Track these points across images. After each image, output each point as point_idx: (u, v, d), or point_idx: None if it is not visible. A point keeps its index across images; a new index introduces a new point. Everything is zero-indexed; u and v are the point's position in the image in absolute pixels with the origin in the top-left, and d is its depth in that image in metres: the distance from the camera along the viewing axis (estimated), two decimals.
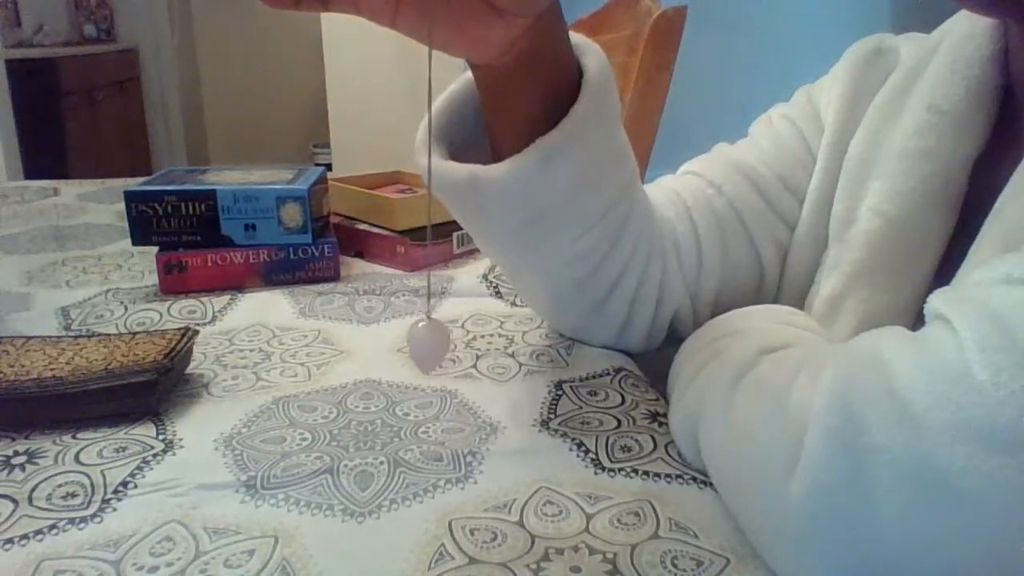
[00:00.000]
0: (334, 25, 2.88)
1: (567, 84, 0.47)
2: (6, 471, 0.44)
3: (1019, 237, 0.39)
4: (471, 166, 0.47)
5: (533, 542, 0.39)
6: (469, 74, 0.50)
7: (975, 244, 0.42)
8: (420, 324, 0.41)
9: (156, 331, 0.58)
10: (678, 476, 0.44)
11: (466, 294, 0.74)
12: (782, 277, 0.60)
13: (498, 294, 0.74)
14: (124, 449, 0.47)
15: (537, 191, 0.48)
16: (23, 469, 0.45)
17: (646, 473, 0.45)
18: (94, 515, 0.41)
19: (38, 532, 0.39)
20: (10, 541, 0.39)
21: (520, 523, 0.40)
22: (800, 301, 0.57)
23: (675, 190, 0.61)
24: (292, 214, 0.75)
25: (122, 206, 0.75)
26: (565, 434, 0.49)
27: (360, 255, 0.85)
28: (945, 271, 0.47)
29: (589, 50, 0.48)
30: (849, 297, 0.52)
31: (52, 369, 0.51)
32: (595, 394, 0.54)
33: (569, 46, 0.47)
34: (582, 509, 0.41)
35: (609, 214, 0.52)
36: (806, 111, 0.60)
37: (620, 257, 0.54)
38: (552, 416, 0.51)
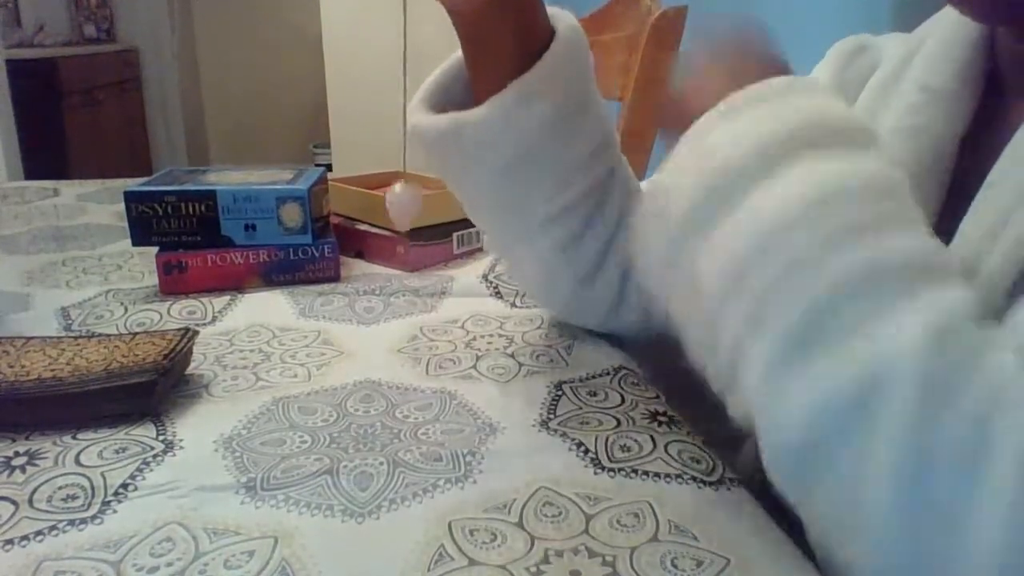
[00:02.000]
0: (334, 25, 2.88)
1: (541, 40, 0.51)
2: (6, 472, 0.44)
3: (1010, 213, 0.40)
4: (453, 113, 0.51)
5: (532, 544, 0.39)
6: (459, 52, 0.55)
7: (966, 219, 0.42)
8: (397, 186, 0.44)
9: (156, 332, 0.58)
10: (677, 476, 0.44)
11: (466, 294, 0.74)
12: None
13: (498, 294, 0.74)
14: (124, 450, 0.47)
15: (516, 129, 0.51)
16: (23, 471, 0.45)
17: (646, 473, 0.45)
18: (94, 516, 0.41)
19: (38, 533, 0.39)
20: (10, 542, 0.39)
21: (520, 524, 0.40)
22: None
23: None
24: (292, 214, 0.75)
25: (122, 206, 0.75)
26: (565, 434, 0.49)
27: (360, 255, 0.85)
28: None
29: (562, 16, 0.53)
30: None
31: (52, 370, 0.51)
32: (595, 394, 0.54)
33: (542, 5, 0.52)
34: (581, 510, 0.41)
35: (587, 171, 0.54)
36: None
37: (604, 226, 0.56)
38: (552, 416, 0.51)
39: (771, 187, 0.35)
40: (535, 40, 0.51)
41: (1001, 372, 0.31)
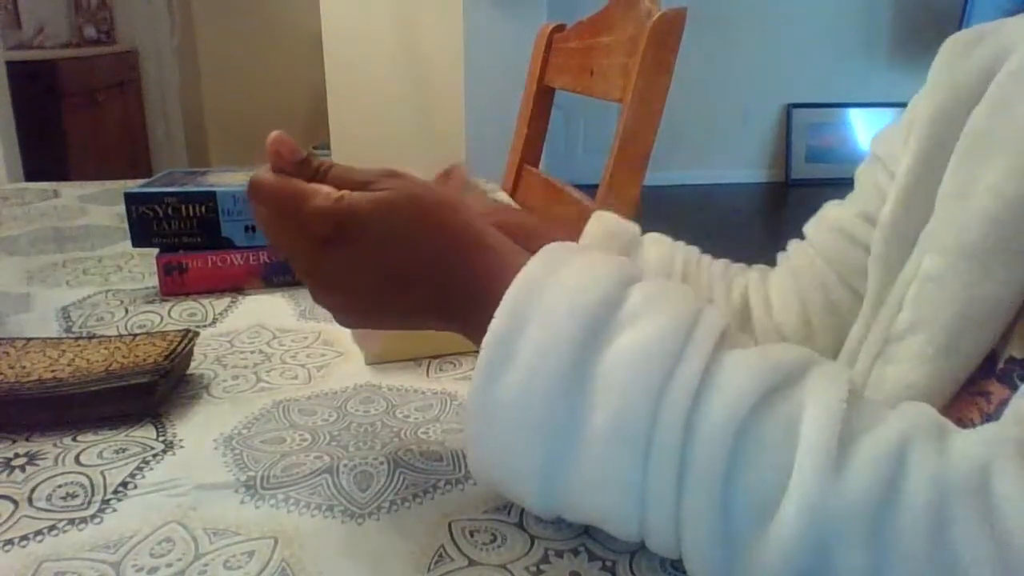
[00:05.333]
0: (334, 25, 2.88)
1: None
2: (6, 472, 0.45)
3: None
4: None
5: (532, 543, 0.39)
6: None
7: None
8: None
9: (157, 333, 0.58)
10: None
11: None
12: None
13: None
14: (124, 450, 0.47)
15: None
16: (23, 470, 0.45)
17: None
18: (94, 516, 0.41)
19: (38, 533, 0.39)
20: (10, 542, 0.39)
21: (520, 524, 0.40)
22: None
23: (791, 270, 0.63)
24: None
25: (122, 208, 0.75)
26: None
27: None
28: None
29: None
30: (953, 279, 0.48)
31: (53, 370, 0.51)
32: None
33: None
34: None
35: None
36: (886, 136, 0.58)
37: None
38: None
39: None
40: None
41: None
